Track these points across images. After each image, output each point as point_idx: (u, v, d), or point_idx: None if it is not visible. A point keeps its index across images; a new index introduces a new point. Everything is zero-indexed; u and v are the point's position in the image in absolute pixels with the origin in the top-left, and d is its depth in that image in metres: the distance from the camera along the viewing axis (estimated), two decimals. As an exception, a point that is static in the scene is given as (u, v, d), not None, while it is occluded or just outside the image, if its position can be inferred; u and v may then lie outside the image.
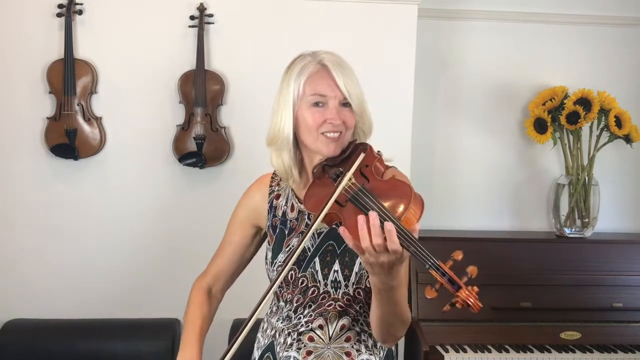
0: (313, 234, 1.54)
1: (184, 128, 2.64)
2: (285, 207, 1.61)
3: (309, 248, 1.55)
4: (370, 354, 1.56)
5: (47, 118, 2.60)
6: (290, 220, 1.59)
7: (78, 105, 2.59)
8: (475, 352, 2.52)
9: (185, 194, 2.72)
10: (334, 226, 1.50)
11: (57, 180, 2.67)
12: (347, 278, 1.52)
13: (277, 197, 1.64)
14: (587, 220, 2.88)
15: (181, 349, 1.65)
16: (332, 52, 1.57)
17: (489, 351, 2.53)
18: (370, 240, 1.24)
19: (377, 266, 1.28)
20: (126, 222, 2.71)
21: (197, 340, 1.68)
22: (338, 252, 1.54)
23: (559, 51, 3.01)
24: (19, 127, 2.64)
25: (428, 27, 2.83)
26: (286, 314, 1.58)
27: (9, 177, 2.66)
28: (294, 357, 1.55)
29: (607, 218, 3.03)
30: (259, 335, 1.70)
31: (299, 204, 1.60)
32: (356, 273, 1.53)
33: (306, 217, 1.58)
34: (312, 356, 1.54)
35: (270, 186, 1.66)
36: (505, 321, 2.62)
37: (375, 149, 1.50)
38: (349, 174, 1.40)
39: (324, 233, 1.55)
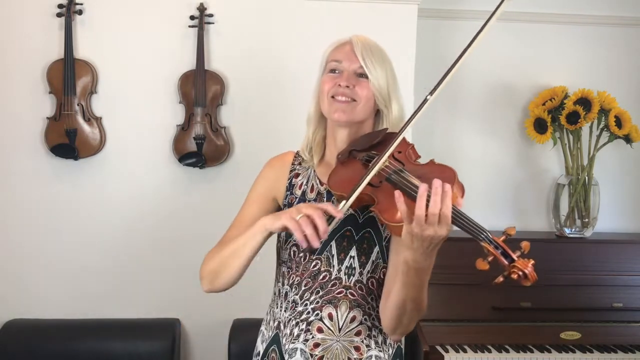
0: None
1: (184, 128, 2.64)
2: (305, 187, 1.61)
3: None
4: (380, 351, 1.55)
5: (47, 118, 2.60)
6: (309, 201, 1.58)
7: (78, 105, 2.59)
8: (475, 352, 2.52)
9: (185, 194, 2.72)
10: (356, 212, 1.51)
11: (57, 180, 2.67)
12: (362, 265, 1.52)
13: (297, 176, 1.64)
14: (587, 220, 2.87)
15: (252, 227, 1.48)
16: (366, 37, 1.60)
17: (489, 351, 2.53)
18: (427, 209, 1.23)
19: (418, 239, 1.26)
20: (126, 222, 2.71)
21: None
22: (356, 238, 1.53)
23: (559, 51, 3.01)
24: (19, 127, 2.64)
25: (428, 27, 2.83)
26: (292, 298, 1.56)
27: (9, 177, 2.66)
28: (301, 350, 1.52)
29: (607, 218, 3.03)
30: (262, 328, 1.66)
31: (319, 185, 1.59)
32: (372, 261, 1.53)
33: (325, 199, 1.57)
34: (319, 349, 1.52)
35: (292, 164, 1.66)
36: (505, 321, 2.62)
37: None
38: (386, 155, 1.42)
39: (343, 218, 1.53)
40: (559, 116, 2.81)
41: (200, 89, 2.61)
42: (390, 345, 1.58)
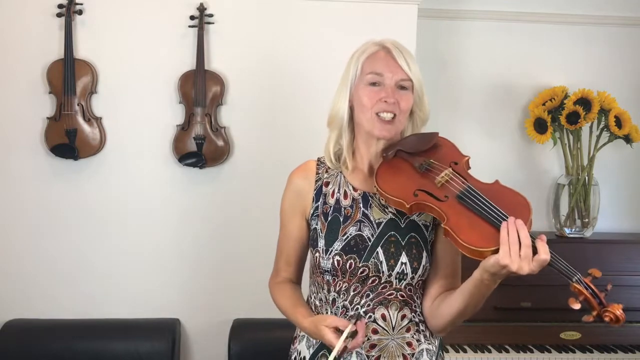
0: (373, 223, 1.54)
1: (184, 128, 2.64)
2: (338, 194, 1.59)
3: (369, 237, 1.53)
4: (429, 344, 1.58)
5: (47, 118, 2.60)
6: (345, 208, 1.57)
7: (78, 105, 2.59)
8: (475, 352, 2.52)
9: (185, 194, 2.72)
10: (397, 216, 1.52)
11: (57, 180, 2.67)
12: (415, 271, 1.53)
13: (326, 184, 1.62)
14: (587, 220, 2.87)
15: (299, 325, 1.58)
16: (395, 40, 1.59)
17: (489, 351, 2.53)
18: (520, 246, 1.30)
19: (509, 272, 1.33)
20: (126, 222, 2.71)
21: (304, 307, 1.62)
22: (402, 243, 1.53)
23: (559, 51, 3.01)
24: (19, 127, 2.63)
25: (428, 27, 2.83)
26: (341, 304, 1.55)
27: (9, 177, 2.65)
28: (357, 352, 1.53)
29: (607, 218, 3.03)
30: (304, 333, 1.63)
31: (353, 191, 1.59)
32: (423, 266, 1.54)
33: (361, 205, 1.56)
34: (375, 349, 1.54)
35: (317, 173, 1.64)
36: (505, 321, 2.62)
37: None
38: (448, 170, 1.46)
39: (383, 223, 1.54)
40: (559, 116, 2.81)
41: (200, 89, 2.61)
42: (435, 337, 1.62)
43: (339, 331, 1.42)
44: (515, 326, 2.62)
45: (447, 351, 2.50)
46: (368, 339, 1.53)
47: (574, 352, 2.56)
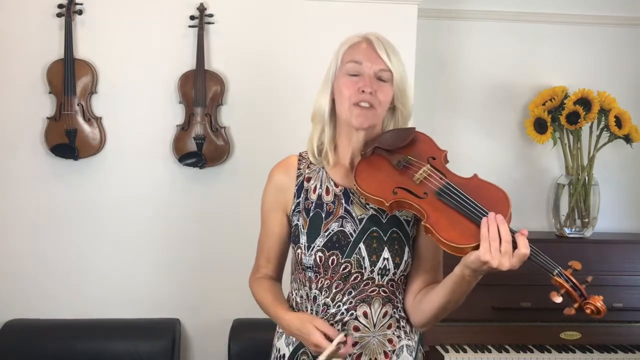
0: (355, 219, 1.53)
1: (184, 128, 2.64)
2: (320, 190, 1.59)
3: (351, 233, 1.53)
4: (409, 339, 1.58)
5: (47, 118, 2.60)
6: (327, 204, 1.57)
7: (78, 105, 2.59)
8: (475, 352, 2.52)
9: (185, 194, 2.72)
10: (378, 212, 1.51)
11: (57, 180, 2.67)
12: (397, 266, 1.52)
13: (308, 179, 1.61)
14: (587, 220, 2.87)
15: (279, 317, 1.58)
16: (378, 32, 1.58)
17: (489, 351, 2.53)
18: (500, 242, 1.29)
19: (490, 267, 1.32)
20: (126, 222, 2.71)
21: (284, 303, 1.62)
22: (385, 239, 1.52)
23: (559, 51, 3.01)
24: (19, 127, 2.63)
25: (428, 27, 2.83)
26: (323, 302, 1.55)
27: (9, 177, 2.65)
28: None
29: (607, 218, 3.03)
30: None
31: (334, 187, 1.58)
32: (405, 261, 1.53)
33: (343, 201, 1.56)
34: (357, 347, 1.53)
35: (299, 169, 1.63)
36: (505, 321, 2.62)
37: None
38: (426, 167, 1.45)
39: (365, 219, 1.54)
40: (559, 116, 2.81)
41: (200, 89, 2.61)
42: (415, 332, 1.62)
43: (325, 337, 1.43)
44: (515, 326, 2.62)
45: (447, 351, 2.50)
46: (350, 336, 1.53)
47: (574, 352, 2.55)
